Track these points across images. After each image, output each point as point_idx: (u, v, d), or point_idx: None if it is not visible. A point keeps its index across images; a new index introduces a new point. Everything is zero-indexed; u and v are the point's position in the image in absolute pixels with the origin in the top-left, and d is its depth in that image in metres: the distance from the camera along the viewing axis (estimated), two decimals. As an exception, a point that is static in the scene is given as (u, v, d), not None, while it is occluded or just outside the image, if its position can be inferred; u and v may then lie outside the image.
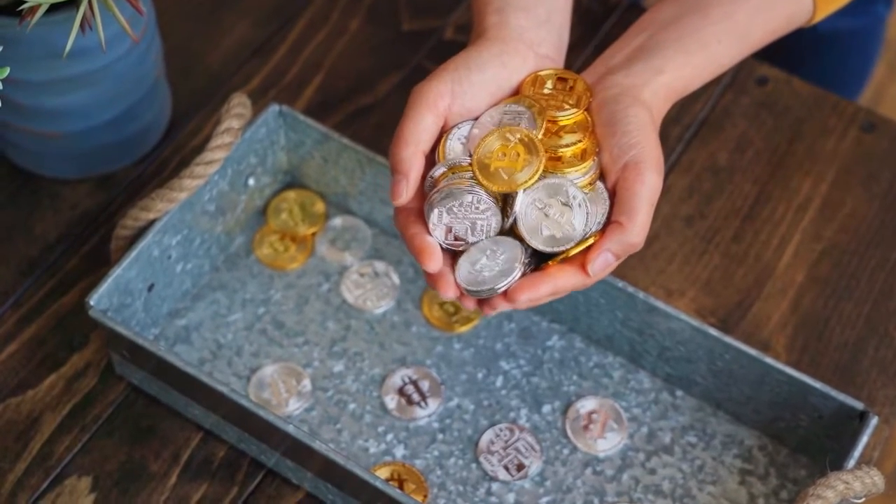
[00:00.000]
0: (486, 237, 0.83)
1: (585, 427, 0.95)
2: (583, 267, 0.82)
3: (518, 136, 0.83)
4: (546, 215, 0.83)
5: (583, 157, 0.84)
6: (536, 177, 0.82)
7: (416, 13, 1.14)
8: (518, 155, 0.83)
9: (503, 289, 0.82)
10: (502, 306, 0.83)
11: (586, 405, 0.95)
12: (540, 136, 0.84)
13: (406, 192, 0.83)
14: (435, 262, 0.82)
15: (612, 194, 0.84)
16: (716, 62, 0.89)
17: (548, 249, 0.83)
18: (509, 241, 0.83)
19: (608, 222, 0.83)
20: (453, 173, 0.84)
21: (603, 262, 0.82)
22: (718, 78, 1.10)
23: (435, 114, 0.84)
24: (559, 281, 0.82)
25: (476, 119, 0.86)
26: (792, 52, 1.28)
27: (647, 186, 0.83)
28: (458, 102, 0.84)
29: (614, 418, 0.95)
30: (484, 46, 0.86)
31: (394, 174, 0.83)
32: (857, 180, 1.06)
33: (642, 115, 0.84)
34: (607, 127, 0.84)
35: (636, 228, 0.82)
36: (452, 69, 0.84)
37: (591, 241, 0.82)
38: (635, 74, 0.86)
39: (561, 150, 0.84)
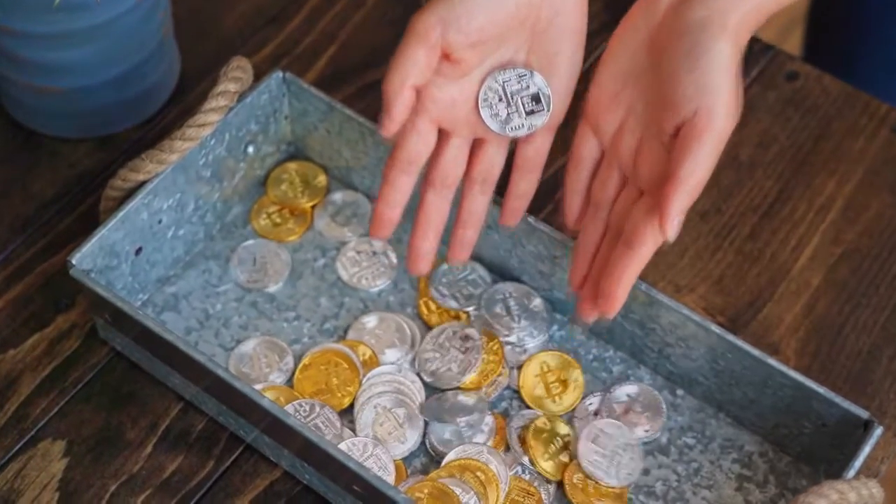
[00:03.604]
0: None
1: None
2: (660, 228, 0.79)
3: None
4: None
5: None
6: None
7: (437, -11, 1.11)
8: None
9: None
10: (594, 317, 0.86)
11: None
12: None
13: (389, 126, 0.82)
14: (382, 234, 0.86)
15: (675, 131, 0.80)
16: None
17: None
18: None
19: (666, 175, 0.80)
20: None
21: (679, 224, 0.80)
22: (745, 71, 1.06)
23: (426, 46, 0.80)
24: (636, 268, 0.82)
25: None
26: (859, 20, 1.24)
27: (714, 135, 0.79)
28: (453, 29, 0.80)
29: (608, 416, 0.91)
30: None
31: (383, 107, 0.82)
32: (884, 183, 1.02)
33: (727, 52, 0.79)
34: (686, 59, 0.79)
35: (694, 182, 0.79)
36: None
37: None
38: None
39: None
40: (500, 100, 0.84)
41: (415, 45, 0.81)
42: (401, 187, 0.85)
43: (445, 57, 0.81)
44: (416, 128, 0.83)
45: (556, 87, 0.85)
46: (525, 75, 0.84)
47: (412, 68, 0.81)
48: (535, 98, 0.84)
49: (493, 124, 0.85)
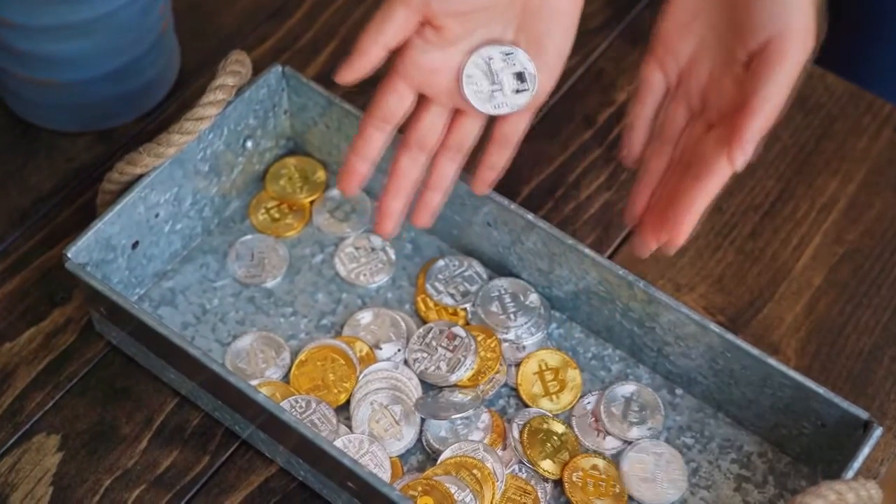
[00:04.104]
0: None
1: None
2: (728, 159, 0.79)
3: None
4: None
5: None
6: None
7: (439, -16, 1.10)
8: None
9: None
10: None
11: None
12: None
13: (347, 76, 0.82)
14: (349, 186, 0.86)
15: (749, 59, 0.79)
16: None
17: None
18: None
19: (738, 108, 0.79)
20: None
21: (751, 153, 0.79)
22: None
23: (407, 9, 0.80)
24: (704, 200, 0.81)
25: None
26: (867, 20, 1.23)
27: (792, 60, 0.78)
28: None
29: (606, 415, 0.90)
30: None
31: (348, 56, 0.82)
32: (887, 183, 1.01)
33: None
34: None
35: (770, 107, 0.79)
36: None
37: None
38: None
39: None
40: (485, 77, 0.83)
41: (396, 5, 0.80)
42: (373, 142, 0.85)
43: (428, 23, 0.81)
44: (395, 88, 0.83)
45: (543, 68, 0.84)
46: (511, 53, 0.83)
47: (388, 28, 0.80)
48: (520, 77, 0.84)
49: (475, 101, 0.84)
